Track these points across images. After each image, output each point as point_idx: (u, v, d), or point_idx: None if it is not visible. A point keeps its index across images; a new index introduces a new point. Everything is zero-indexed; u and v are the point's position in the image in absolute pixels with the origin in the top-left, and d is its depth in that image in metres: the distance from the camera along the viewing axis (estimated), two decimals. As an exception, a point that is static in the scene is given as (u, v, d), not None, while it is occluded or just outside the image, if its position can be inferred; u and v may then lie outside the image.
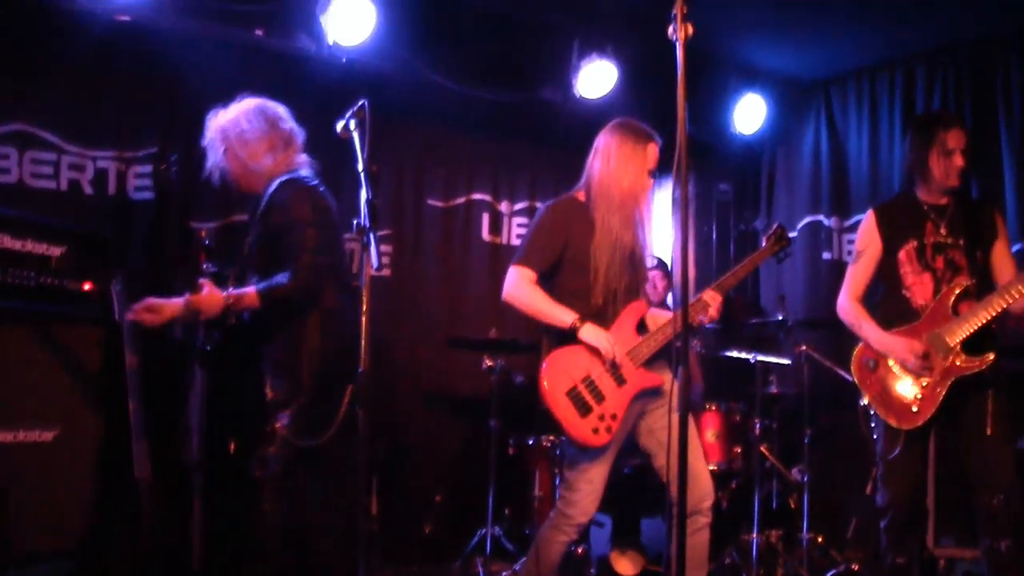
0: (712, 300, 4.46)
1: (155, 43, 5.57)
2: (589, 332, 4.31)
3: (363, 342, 3.41)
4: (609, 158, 4.44)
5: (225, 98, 6.01)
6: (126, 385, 4.70)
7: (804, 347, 6.23)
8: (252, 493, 4.45)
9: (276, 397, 4.40)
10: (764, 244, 4.87)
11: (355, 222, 3.58)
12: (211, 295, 4.33)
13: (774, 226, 4.93)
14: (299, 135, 4.69)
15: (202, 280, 4.37)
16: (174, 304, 4.40)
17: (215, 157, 4.63)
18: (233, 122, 4.59)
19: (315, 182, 4.57)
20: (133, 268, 5.60)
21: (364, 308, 3.42)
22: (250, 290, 4.35)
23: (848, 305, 4.81)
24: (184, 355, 5.32)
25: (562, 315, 4.35)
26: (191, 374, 5.25)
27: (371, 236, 3.46)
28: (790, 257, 5.00)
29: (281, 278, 4.32)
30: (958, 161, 4.60)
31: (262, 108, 4.66)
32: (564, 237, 4.42)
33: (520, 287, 4.42)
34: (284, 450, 4.37)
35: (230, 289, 4.38)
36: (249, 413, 4.51)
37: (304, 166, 4.65)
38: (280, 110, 4.68)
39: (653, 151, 4.46)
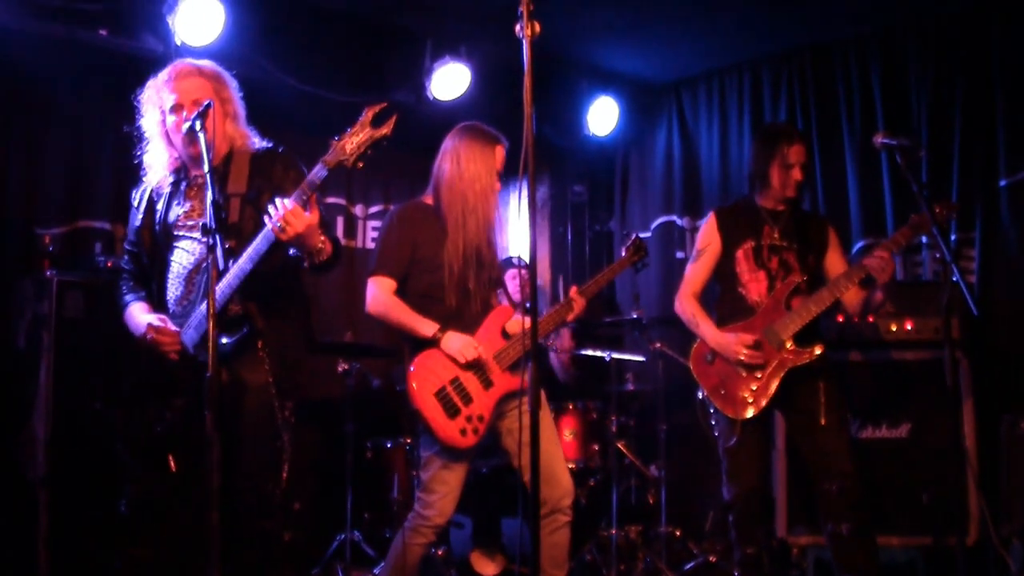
0: (577, 303, 4.54)
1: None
2: (449, 342, 4.31)
3: (211, 345, 3.32)
4: (458, 161, 4.43)
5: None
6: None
7: (659, 344, 6.31)
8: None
9: None
10: (624, 254, 4.95)
11: (201, 223, 3.51)
12: None
13: (632, 237, 5.04)
14: None
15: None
16: None
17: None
18: (229, 83, 4.15)
19: None
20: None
21: (211, 312, 3.34)
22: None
23: (685, 303, 4.98)
24: (27, 365, 5.16)
25: (423, 327, 4.33)
26: (35, 384, 5.09)
27: (217, 238, 3.38)
28: (647, 268, 5.10)
29: None
30: (796, 175, 4.83)
31: None
32: (411, 242, 4.41)
33: (380, 299, 4.40)
34: None
35: None
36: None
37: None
38: None
39: (500, 153, 4.49)
